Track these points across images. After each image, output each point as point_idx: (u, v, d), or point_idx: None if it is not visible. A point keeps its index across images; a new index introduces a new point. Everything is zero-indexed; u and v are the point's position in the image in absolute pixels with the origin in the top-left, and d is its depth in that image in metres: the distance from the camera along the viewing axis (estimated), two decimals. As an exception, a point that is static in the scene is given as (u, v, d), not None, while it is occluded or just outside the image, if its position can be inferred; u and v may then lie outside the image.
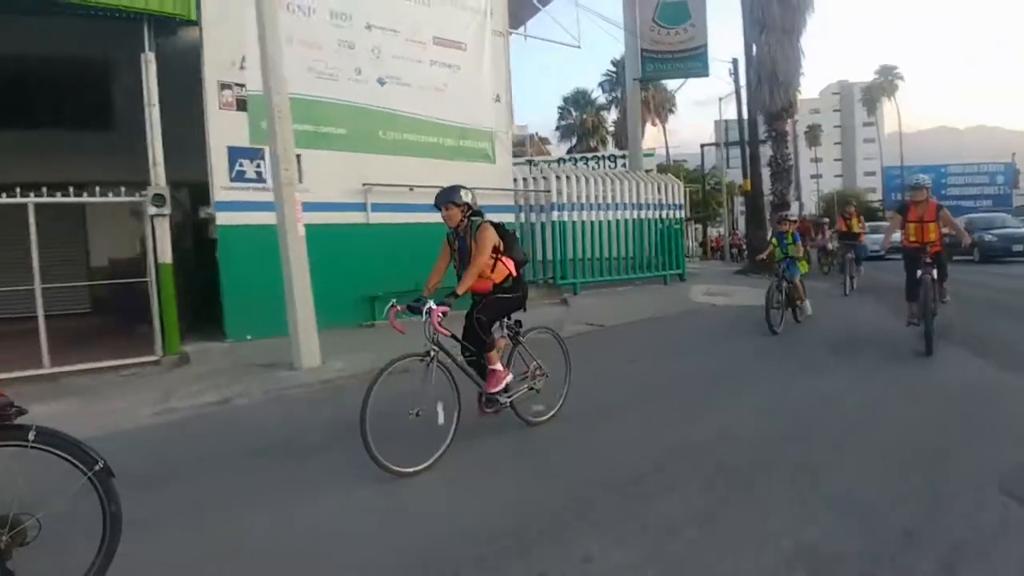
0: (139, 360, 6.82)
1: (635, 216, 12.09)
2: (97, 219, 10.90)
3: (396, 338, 3.53)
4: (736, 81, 17.62)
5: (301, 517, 2.92)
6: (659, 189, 12.47)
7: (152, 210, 6.80)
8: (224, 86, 7.45)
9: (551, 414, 4.19)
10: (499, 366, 3.82)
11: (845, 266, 11.18)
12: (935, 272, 5.85)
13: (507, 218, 10.21)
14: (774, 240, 8.16)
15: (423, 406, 3.37)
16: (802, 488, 3.01)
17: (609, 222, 11.64)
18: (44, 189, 6.52)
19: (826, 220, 16.50)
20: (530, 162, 21.87)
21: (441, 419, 3.51)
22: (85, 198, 6.82)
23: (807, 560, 2.35)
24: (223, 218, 7.45)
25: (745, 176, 16.71)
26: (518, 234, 12.08)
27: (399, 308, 3.54)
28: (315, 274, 6.46)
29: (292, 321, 6.13)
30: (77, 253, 10.77)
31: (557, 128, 41.49)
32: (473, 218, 3.77)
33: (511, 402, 3.93)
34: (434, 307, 3.39)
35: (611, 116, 42.05)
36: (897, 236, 6.56)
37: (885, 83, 53.66)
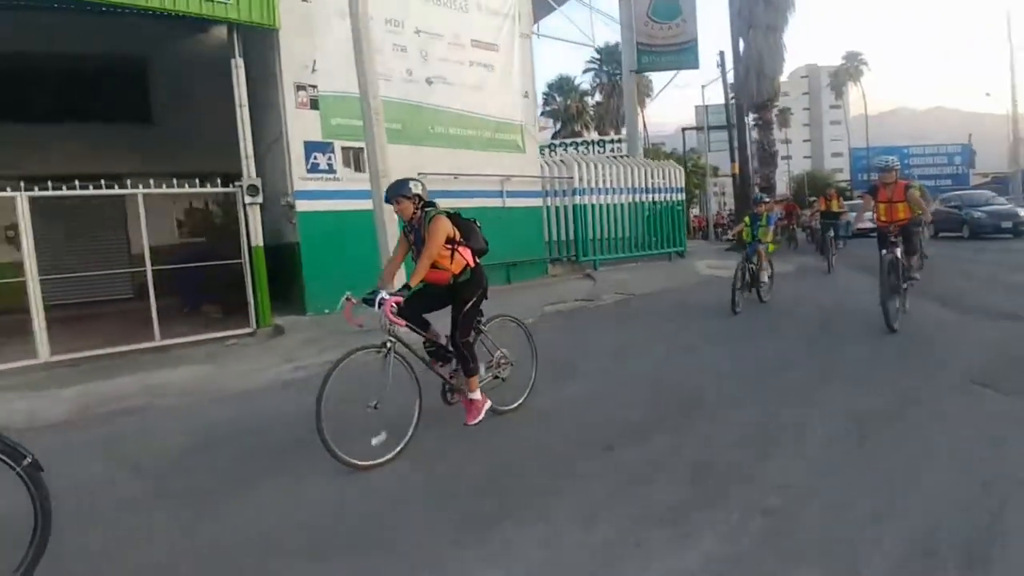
0: (237, 332, 7.60)
1: (644, 199, 13.34)
2: (135, 209, 11.60)
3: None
4: (723, 72, 18.92)
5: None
6: (663, 174, 13.74)
7: (247, 199, 7.69)
8: (299, 87, 8.38)
9: (519, 403, 4.16)
10: (479, 395, 3.76)
11: (826, 245, 11.55)
12: (899, 251, 6.06)
13: (535, 202, 11.39)
14: (747, 219, 8.31)
15: (381, 398, 3.30)
16: (839, 387, 4.34)
17: (621, 204, 12.83)
18: (151, 181, 7.42)
19: (813, 199, 17.79)
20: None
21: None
22: (187, 188, 7.65)
23: (856, 418, 3.68)
24: (302, 205, 8.41)
25: (733, 160, 18.12)
26: (551, 219, 12.95)
27: (354, 301, 3.50)
28: (384, 252, 7.21)
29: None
30: (121, 240, 11.38)
31: (542, 114, 42.42)
32: (427, 209, 3.72)
33: None
34: (387, 298, 3.33)
35: (591, 101, 43.29)
36: (869, 215, 6.80)
37: (851, 68, 55.84)
